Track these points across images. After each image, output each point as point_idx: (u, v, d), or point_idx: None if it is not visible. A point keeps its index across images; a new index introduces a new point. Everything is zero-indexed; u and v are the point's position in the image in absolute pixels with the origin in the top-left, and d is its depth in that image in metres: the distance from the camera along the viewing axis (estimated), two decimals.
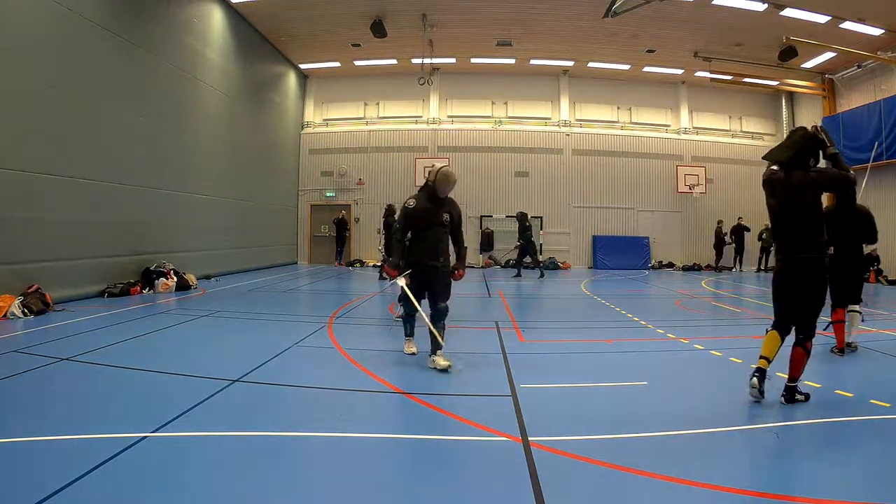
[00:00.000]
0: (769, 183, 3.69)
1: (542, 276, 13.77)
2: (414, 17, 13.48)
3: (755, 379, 3.54)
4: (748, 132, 18.52)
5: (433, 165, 4.84)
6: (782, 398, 3.54)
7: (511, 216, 17.45)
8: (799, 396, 3.57)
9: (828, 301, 4.25)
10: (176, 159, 10.67)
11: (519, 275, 13.79)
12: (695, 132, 18.20)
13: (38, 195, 7.26)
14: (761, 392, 3.54)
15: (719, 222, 17.19)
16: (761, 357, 3.60)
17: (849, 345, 5.17)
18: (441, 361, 4.31)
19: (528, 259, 14.22)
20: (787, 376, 3.61)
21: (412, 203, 4.49)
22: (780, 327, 3.68)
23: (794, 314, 3.65)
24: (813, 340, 3.62)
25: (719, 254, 17.16)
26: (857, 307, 5.23)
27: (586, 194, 17.67)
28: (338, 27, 14.13)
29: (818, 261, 3.54)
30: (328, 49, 15.78)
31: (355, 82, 17.92)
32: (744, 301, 10.05)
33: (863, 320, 5.46)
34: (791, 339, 3.67)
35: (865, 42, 13.33)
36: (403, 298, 4.70)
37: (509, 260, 17.45)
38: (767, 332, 3.71)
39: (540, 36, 14.69)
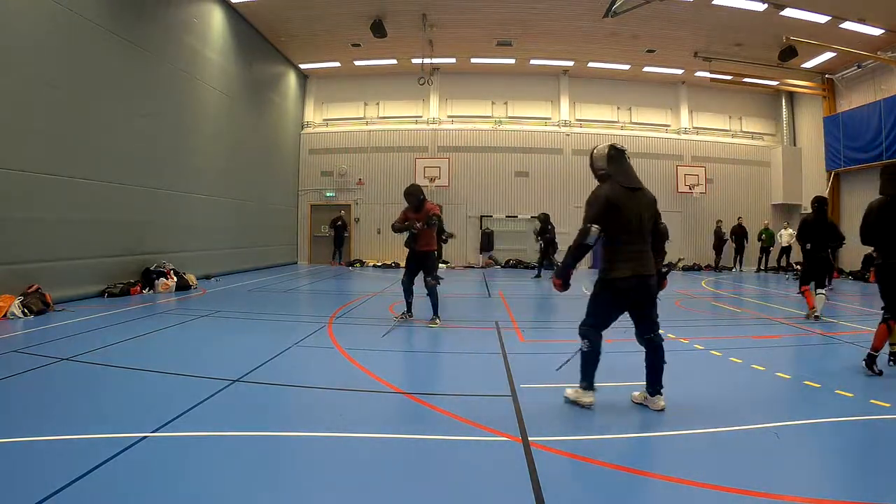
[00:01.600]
0: (883, 206, 4.64)
1: (538, 275, 13.86)
2: (414, 17, 13.48)
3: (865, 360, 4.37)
4: (748, 132, 18.53)
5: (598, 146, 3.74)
6: (889, 362, 4.47)
7: (511, 216, 17.53)
8: None
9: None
10: (176, 159, 10.67)
11: (539, 275, 13.87)
12: (695, 132, 18.20)
13: (38, 195, 7.26)
14: (879, 371, 4.27)
15: (719, 222, 17.21)
16: (891, 344, 4.48)
17: (817, 317, 6.98)
18: (661, 402, 3.48)
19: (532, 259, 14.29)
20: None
21: None
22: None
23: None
24: None
25: (719, 254, 17.18)
26: (823, 291, 7.11)
27: (586, 194, 17.42)
28: (338, 27, 14.13)
29: None
30: (328, 49, 15.78)
31: (355, 82, 17.92)
32: (744, 301, 10.04)
33: (827, 299, 7.55)
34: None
35: (865, 42, 13.34)
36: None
37: (509, 260, 17.48)
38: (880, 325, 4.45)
39: (540, 36, 14.68)
